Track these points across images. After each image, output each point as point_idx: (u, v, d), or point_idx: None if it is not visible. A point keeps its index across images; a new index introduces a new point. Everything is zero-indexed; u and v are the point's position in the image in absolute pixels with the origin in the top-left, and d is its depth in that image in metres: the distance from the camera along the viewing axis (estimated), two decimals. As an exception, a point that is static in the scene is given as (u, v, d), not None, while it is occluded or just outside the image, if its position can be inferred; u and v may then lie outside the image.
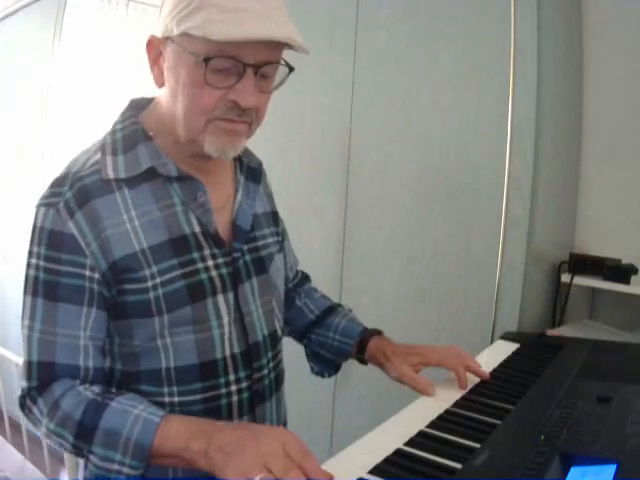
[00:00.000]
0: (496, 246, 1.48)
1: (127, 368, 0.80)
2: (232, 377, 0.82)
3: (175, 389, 0.79)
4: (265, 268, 0.90)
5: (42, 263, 0.75)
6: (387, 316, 1.69)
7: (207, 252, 0.81)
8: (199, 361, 0.80)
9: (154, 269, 0.77)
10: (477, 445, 0.72)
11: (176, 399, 0.79)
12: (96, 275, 0.75)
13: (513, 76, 1.43)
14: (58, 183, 0.77)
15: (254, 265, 0.87)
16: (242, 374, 0.83)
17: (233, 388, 0.82)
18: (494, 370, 1.03)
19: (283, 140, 1.87)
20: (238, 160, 0.92)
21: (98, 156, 0.79)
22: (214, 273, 0.81)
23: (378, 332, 1.04)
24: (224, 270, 0.82)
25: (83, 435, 0.71)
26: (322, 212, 1.83)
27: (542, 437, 0.71)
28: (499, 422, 0.79)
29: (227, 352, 0.82)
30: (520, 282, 1.46)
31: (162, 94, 0.80)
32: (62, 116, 2.70)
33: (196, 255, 0.80)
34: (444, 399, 0.90)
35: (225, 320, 0.82)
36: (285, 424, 0.97)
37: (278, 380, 0.92)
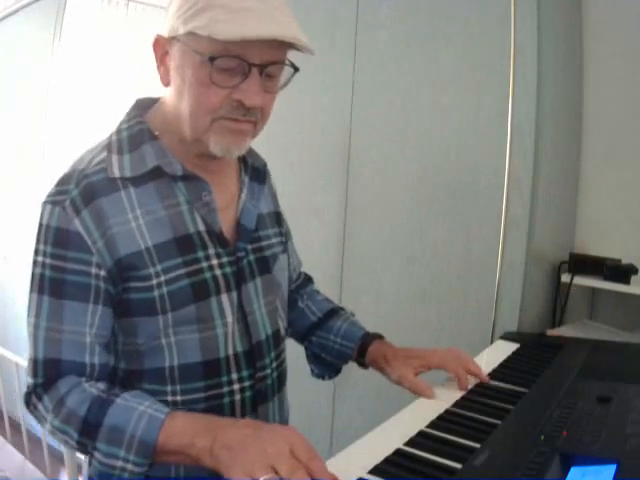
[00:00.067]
0: (496, 246, 1.48)
1: (131, 366, 0.80)
2: (235, 376, 0.83)
3: (178, 387, 0.80)
4: (269, 268, 0.90)
5: (48, 261, 0.75)
6: (387, 316, 1.69)
7: (211, 251, 0.81)
8: (202, 360, 0.80)
9: (159, 267, 0.77)
10: (477, 445, 0.72)
11: (179, 397, 0.80)
12: (102, 272, 0.75)
13: (513, 76, 1.43)
14: (64, 181, 0.77)
15: (258, 265, 0.88)
16: (245, 373, 0.84)
17: (236, 387, 0.83)
18: (494, 370, 1.03)
19: (283, 140, 1.86)
20: (243, 160, 0.93)
21: (104, 155, 0.79)
22: (218, 272, 0.81)
23: (379, 336, 1.04)
24: (228, 269, 0.83)
25: (88, 432, 0.71)
26: (322, 212, 1.83)
27: (542, 437, 0.71)
28: (499, 422, 0.79)
29: (230, 351, 0.82)
30: (520, 282, 1.46)
31: (168, 93, 0.80)
32: (62, 116, 2.69)
33: (201, 254, 0.80)
34: (444, 399, 0.90)
35: (229, 319, 0.82)
36: (287, 424, 0.97)
37: (281, 380, 0.92)
